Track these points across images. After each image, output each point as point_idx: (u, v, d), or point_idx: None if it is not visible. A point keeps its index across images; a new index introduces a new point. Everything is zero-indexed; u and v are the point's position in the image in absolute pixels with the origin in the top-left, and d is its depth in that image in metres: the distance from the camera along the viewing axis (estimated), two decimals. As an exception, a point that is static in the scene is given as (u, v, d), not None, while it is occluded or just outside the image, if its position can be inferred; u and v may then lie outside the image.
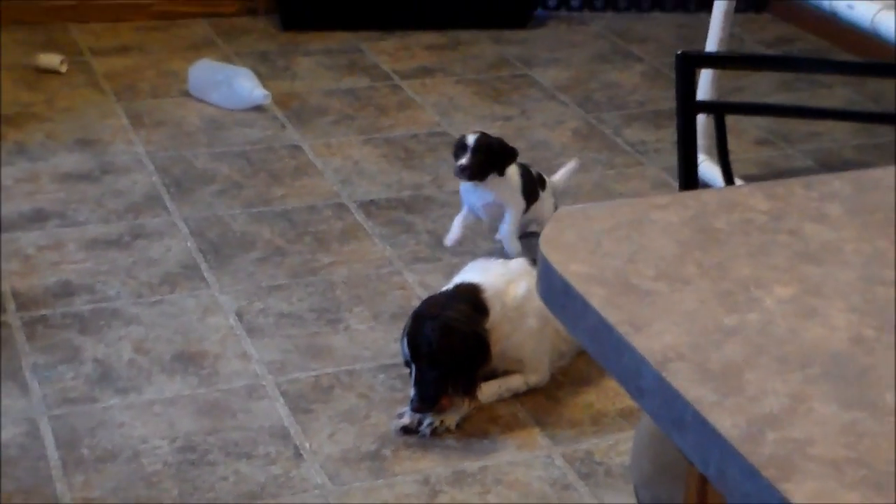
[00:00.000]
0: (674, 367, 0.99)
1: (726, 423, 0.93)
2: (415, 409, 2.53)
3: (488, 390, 2.65)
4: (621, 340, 1.02)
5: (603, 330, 1.05)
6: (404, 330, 2.56)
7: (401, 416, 2.56)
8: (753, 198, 1.24)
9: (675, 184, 3.61)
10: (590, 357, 2.84)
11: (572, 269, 1.11)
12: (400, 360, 2.74)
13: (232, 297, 2.98)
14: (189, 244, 3.19)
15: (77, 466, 2.40)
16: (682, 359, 1.00)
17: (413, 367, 2.54)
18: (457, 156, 3.09)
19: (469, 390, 2.58)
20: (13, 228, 3.21)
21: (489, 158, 3.08)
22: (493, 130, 3.88)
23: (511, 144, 3.17)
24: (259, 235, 3.24)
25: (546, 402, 2.68)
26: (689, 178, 1.54)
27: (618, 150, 3.84)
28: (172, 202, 3.38)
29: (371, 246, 3.23)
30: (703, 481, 1.05)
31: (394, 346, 2.82)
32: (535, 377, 2.70)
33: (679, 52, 1.55)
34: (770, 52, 4.73)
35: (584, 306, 1.07)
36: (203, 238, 3.21)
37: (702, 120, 3.60)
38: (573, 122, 4.01)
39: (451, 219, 3.37)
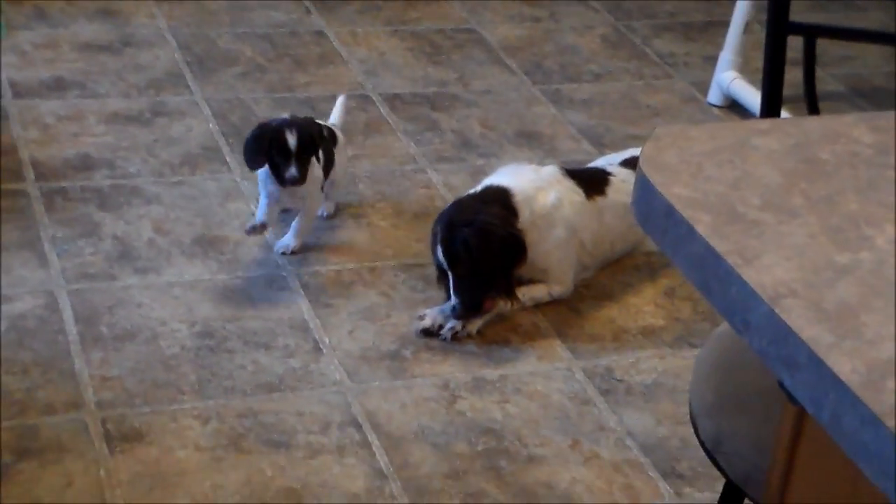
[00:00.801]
0: (786, 304, 0.95)
1: (845, 367, 0.89)
2: (459, 317, 2.50)
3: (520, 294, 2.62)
4: (730, 272, 0.98)
5: (709, 259, 1.01)
6: (435, 237, 2.52)
7: (422, 317, 2.53)
8: (857, 129, 1.19)
9: (705, 99, 3.57)
10: (611, 271, 2.82)
11: (675, 192, 1.07)
12: (422, 260, 2.71)
13: (253, 183, 2.92)
14: (211, 126, 3.12)
15: (95, 343, 2.37)
16: (794, 295, 0.96)
17: (450, 274, 2.50)
18: (273, 156, 2.54)
19: (510, 292, 2.56)
20: (32, 95, 3.14)
21: (313, 153, 2.60)
22: (521, 32, 3.81)
23: (321, 123, 2.74)
24: (282, 122, 3.17)
25: (568, 314, 2.65)
26: (772, 103, 1.49)
27: (647, 61, 3.77)
28: (195, 81, 3.30)
29: (395, 141, 3.17)
30: (800, 420, 1.02)
31: (416, 245, 2.78)
32: (560, 288, 2.67)
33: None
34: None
35: (690, 232, 1.03)
36: (225, 120, 3.15)
37: (735, 36, 3.53)
38: (602, 28, 3.93)
39: (477, 120, 3.32)
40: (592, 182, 2.72)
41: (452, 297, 2.49)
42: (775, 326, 0.94)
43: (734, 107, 3.52)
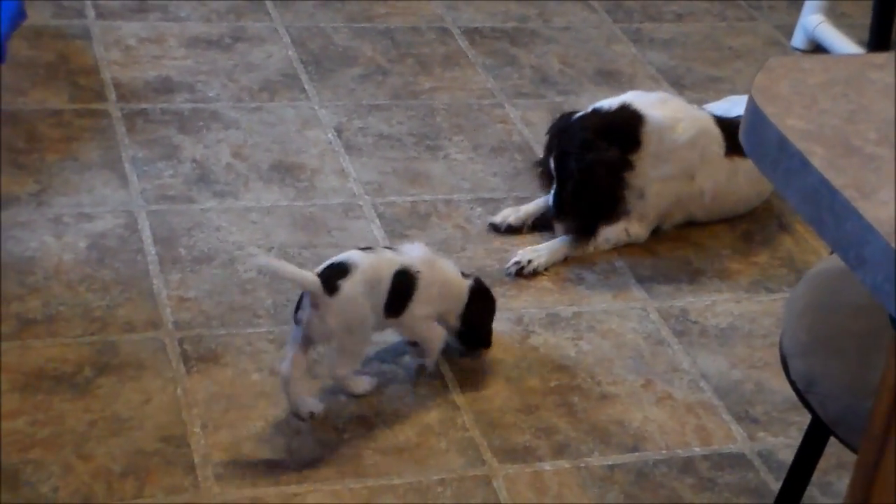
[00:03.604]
0: (905, 240, 0.93)
1: (966, 305, 0.87)
2: (554, 217, 2.59)
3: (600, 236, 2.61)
4: (846, 205, 0.96)
5: (824, 192, 0.98)
6: (551, 144, 2.61)
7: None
8: (976, 66, 1.16)
9: (789, 43, 3.50)
10: (703, 220, 2.78)
11: (789, 124, 1.04)
12: (498, 195, 2.71)
13: (331, 111, 2.92)
14: (290, 53, 3.11)
15: (174, 264, 2.38)
16: (913, 232, 0.94)
17: (555, 180, 2.58)
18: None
19: (590, 233, 2.59)
20: (114, 17, 3.14)
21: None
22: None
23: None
24: (361, 52, 3.16)
25: (644, 254, 2.63)
26: (881, 38, 1.45)
27: (730, 2, 3.70)
28: (275, 8, 3.29)
29: (474, 75, 3.15)
30: (908, 361, 1.00)
31: (492, 180, 2.77)
32: (638, 225, 2.62)
33: None
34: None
35: (804, 165, 1.00)
36: (304, 48, 3.14)
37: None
38: (686, -32, 3.86)
39: (556, 56, 3.29)
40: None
41: (552, 196, 2.58)
42: (892, 261, 0.92)
43: (819, 52, 3.45)
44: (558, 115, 2.72)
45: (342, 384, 2.14)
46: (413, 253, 2.17)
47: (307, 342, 2.05)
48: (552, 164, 2.58)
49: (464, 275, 2.23)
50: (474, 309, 2.22)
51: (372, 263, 2.09)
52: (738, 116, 2.72)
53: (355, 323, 2.05)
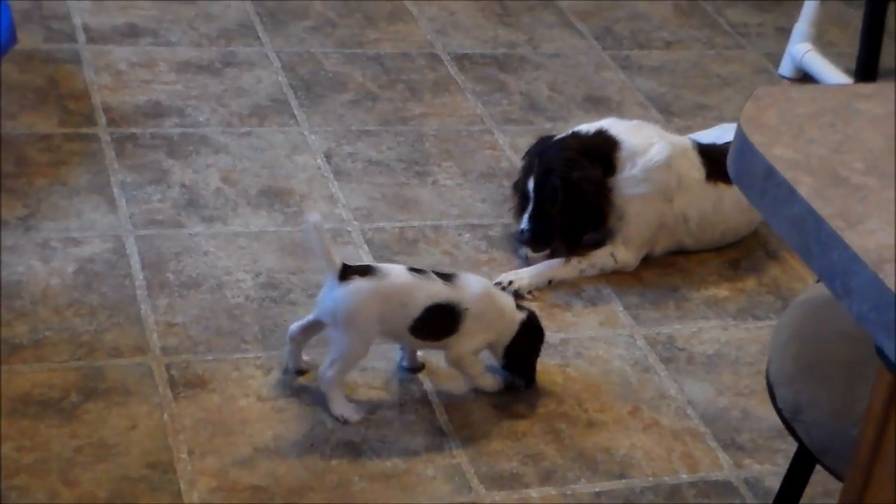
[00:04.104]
0: (890, 269, 0.94)
1: (952, 335, 0.88)
2: (525, 242, 2.59)
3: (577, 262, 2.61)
4: (832, 235, 0.97)
5: (810, 222, 0.99)
6: (529, 167, 2.60)
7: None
8: (961, 98, 1.17)
9: (776, 71, 3.52)
10: (692, 249, 2.78)
11: (776, 153, 1.05)
12: (486, 221, 2.71)
13: (321, 137, 2.92)
14: (280, 78, 3.12)
15: (162, 289, 2.38)
16: (899, 262, 0.94)
17: (531, 203, 2.58)
18: None
19: (574, 244, 2.61)
20: (105, 41, 3.15)
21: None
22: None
23: None
24: (351, 77, 3.17)
25: (631, 280, 2.63)
26: (867, 68, 1.46)
27: (719, 30, 3.72)
28: (265, 33, 3.30)
29: (463, 101, 3.16)
30: (894, 388, 1.00)
31: (481, 205, 2.77)
32: (624, 251, 2.63)
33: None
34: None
35: (790, 194, 1.01)
36: (294, 74, 3.14)
37: (810, 7, 3.47)
38: (674, -4, 3.88)
39: (545, 83, 3.30)
40: (723, 165, 2.68)
41: (525, 222, 2.58)
42: (878, 292, 0.93)
43: (806, 80, 3.47)
44: (536, 139, 2.73)
45: (327, 395, 2.16)
46: (470, 288, 2.19)
47: (317, 322, 2.18)
48: (530, 186, 2.59)
49: (519, 307, 2.25)
50: (518, 343, 2.23)
51: (400, 284, 2.14)
52: (722, 144, 2.74)
53: (354, 320, 2.11)
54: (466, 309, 2.16)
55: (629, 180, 2.60)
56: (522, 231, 2.59)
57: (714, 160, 2.65)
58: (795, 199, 1.00)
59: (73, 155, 2.72)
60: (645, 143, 2.62)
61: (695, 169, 2.65)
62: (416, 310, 2.14)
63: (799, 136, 1.08)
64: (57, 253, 2.43)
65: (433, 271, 2.19)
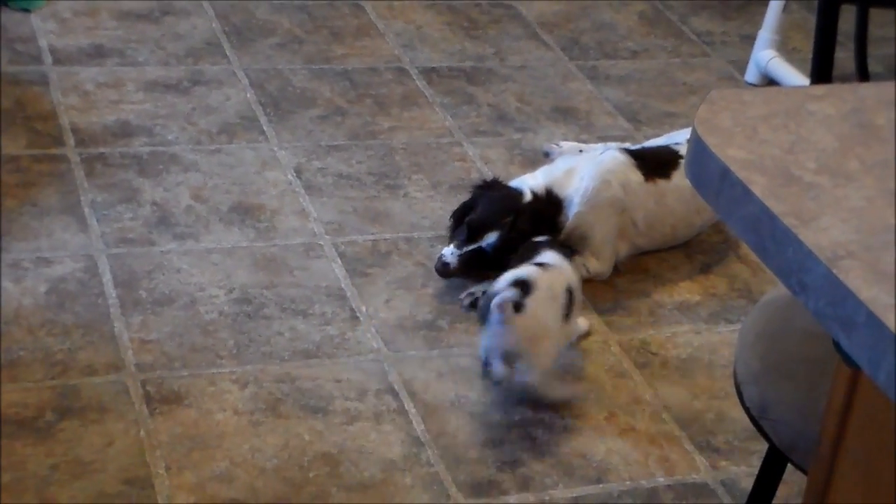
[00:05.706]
0: (844, 265, 0.96)
1: (904, 327, 0.90)
2: (440, 271, 2.55)
3: None
4: (787, 233, 0.99)
5: (765, 220, 1.01)
6: (469, 209, 2.60)
7: (470, 294, 2.54)
8: (912, 97, 1.19)
9: (742, 78, 3.55)
10: (649, 248, 2.81)
11: (730, 154, 1.07)
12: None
13: (291, 152, 2.94)
14: (248, 95, 3.13)
15: (135, 307, 2.39)
16: (852, 257, 0.97)
17: (465, 233, 2.56)
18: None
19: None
20: (72, 62, 3.15)
21: None
22: (558, 7, 3.79)
23: None
24: (319, 93, 3.19)
25: (604, 287, 2.65)
26: (822, 72, 1.49)
27: (684, 39, 3.75)
28: (233, 51, 3.31)
29: (432, 114, 3.18)
30: (853, 384, 1.02)
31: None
32: (596, 263, 2.66)
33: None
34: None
35: (745, 194, 1.03)
36: (262, 90, 3.16)
37: (774, 14, 3.51)
38: (640, 5, 3.91)
39: (513, 94, 3.33)
40: (657, 164, 2.72)
41: (449, 255, 2.54)
42: (833, 287, 0.95)
43: (772, 86, 3.51)
44: (487, 182, 2.69)
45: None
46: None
47: None
48: (470, 225, 2.57)
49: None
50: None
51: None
52: (650, 146, 2.82)
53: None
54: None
55: (580, 215, 2.62)
56: (446, 262, 2.54)
57: (646, 160, 2.71)
58: (750, 198, 1.02)
59: (42, 176, 2.72)
60: (577, 182, 2.64)
61: (632, 173, 2.68)
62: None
63: (752, 138, 1.10)
64: (28, 273, 2.44)
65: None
